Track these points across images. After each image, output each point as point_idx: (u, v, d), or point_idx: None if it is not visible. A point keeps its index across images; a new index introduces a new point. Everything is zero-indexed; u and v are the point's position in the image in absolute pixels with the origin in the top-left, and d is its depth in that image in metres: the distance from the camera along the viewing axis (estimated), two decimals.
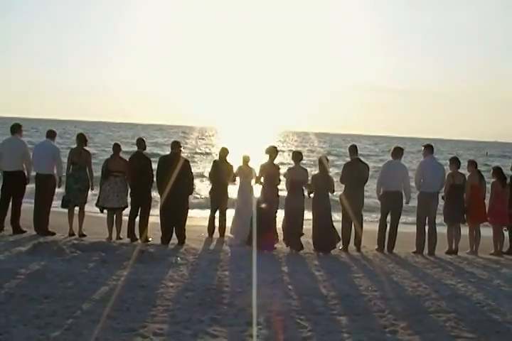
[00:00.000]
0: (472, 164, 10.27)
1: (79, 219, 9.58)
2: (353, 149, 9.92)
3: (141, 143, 9.73)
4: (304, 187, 9.35)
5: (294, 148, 40.57)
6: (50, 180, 9.58)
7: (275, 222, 9.37)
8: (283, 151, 33.81)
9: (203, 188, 18.10)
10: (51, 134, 9.89)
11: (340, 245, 9.50)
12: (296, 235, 9.20)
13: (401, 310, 6.01)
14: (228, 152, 10.50)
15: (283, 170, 9.91)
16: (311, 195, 9.35)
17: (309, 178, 9.48)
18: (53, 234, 9.47)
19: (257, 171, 9.65)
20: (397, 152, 9.91)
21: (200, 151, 46.60)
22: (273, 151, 9.51)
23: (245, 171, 10.07)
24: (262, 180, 9.42)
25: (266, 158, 9.51)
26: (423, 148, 10.17)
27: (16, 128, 9.73)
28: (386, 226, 9.74)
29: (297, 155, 9.51)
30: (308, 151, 47.15)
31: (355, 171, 9.59)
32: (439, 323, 5.64)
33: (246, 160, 10.11)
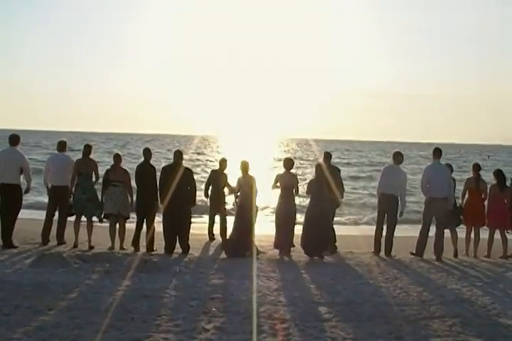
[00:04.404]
0: (474, 167, 10.31)
1: (88, 231, 9.57)
2: (328, 156, 10.31)
3: (147, 153, 9.81)
4: (294, 192, 9.65)
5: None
6: (67, 191, 9.65)
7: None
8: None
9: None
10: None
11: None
12: (286, 240, 9.42)
13: (406, 316, 6.00)
14: (226, 164, 11.07)
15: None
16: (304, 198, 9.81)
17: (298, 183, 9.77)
18: (63, 243, 9.66)
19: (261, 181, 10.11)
20: (398, 157, 10.00)
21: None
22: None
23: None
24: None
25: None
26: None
27: (15, 139, 9.67)
28: (383, 229, 9.85)
29: (288, 163, 9.81)
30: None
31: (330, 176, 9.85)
32: (445, 328, 5.61)
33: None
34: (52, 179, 9.75)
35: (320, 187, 9.51)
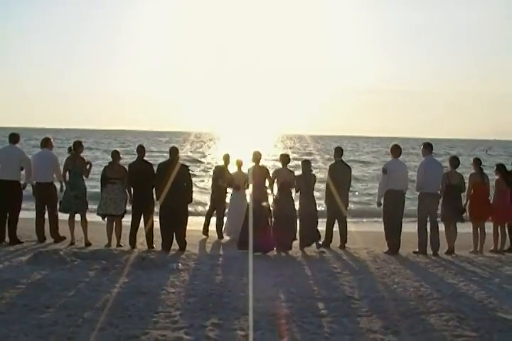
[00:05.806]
0: (476, 162, 10.15)
1: (82, 228, 9.51)
2: (338, 151, 10.36)
3: (141, 150, 9.75)
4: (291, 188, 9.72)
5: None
6: (51, 188, 9.63)
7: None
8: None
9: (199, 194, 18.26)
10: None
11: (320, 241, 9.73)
12: (287, 236, 9.39)
13: (403, 311, 6.01)
14: (229, 159, 11.18)
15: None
16: (298, 193, 9.75)
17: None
18: (64, 238, 9.65)
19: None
20: (397, 150, 9.87)
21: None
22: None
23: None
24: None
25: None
26: (422, 146, 9.97)
27: (15, 138, 9.69)
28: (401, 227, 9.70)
29: (284, 159, 9.85)
30: None
31: (339, 173, 9.96)
32: (442, 323, 5.62)
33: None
34: (35, 176, 9.61)
35: (308, 182, 9.61)
